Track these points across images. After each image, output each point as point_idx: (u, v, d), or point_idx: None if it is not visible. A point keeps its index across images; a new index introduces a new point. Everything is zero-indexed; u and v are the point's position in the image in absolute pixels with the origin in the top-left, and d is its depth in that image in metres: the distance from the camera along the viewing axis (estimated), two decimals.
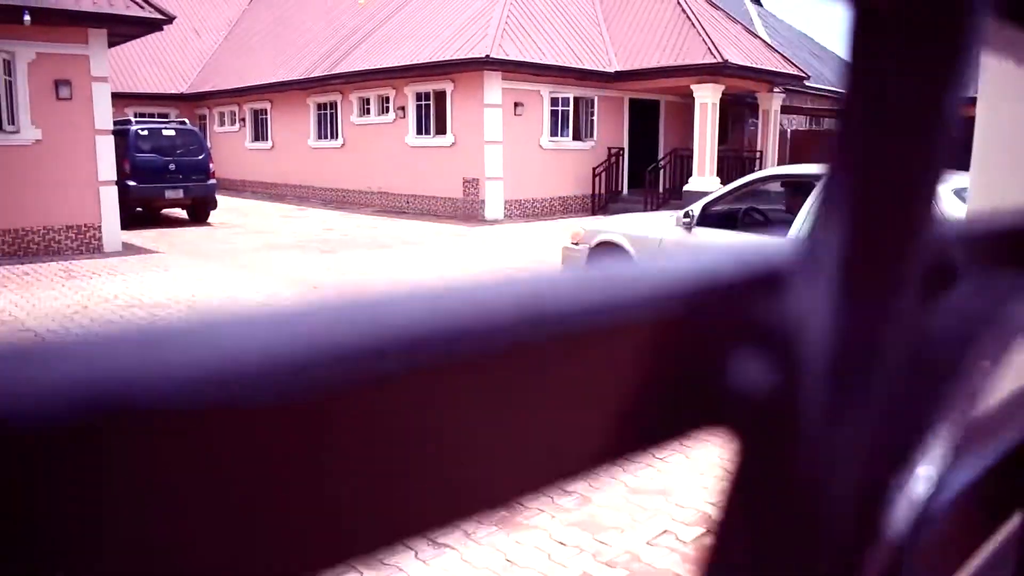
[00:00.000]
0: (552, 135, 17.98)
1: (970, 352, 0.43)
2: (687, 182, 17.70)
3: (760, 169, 16.85)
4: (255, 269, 10.19)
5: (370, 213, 18.16)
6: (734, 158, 19.24)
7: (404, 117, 18.78)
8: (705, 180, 17.09)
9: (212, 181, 15.34)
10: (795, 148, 21.63)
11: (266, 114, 23.91)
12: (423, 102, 18.33)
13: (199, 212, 15.72)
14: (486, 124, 16.82)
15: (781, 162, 19.37)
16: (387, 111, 19.34)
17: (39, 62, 10.83)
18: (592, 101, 18.69)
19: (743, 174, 11.23)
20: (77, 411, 0.16)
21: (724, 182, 14.55)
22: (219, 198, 16.30)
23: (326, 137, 21.46)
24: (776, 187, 6.47)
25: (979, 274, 0.48)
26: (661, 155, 19.31)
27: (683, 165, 18.28)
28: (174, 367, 0.17)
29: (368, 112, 19.98)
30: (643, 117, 19.82)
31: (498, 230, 14.95)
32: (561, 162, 18.35)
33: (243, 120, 24.86)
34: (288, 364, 0.19)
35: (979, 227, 0.55)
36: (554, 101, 17.94)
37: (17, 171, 10.80)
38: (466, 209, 17.24)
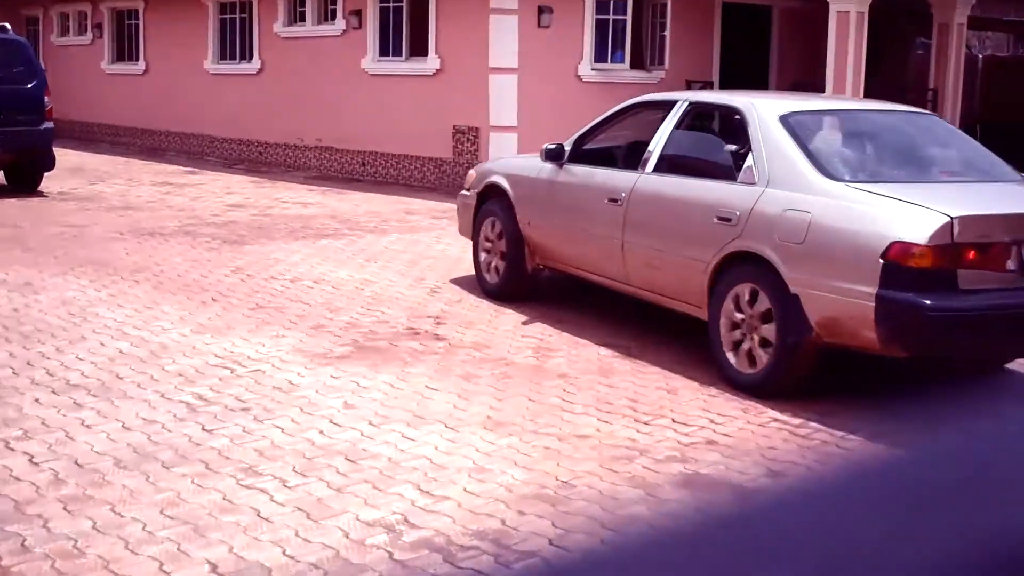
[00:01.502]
0: (598, 60, 17.26)
1: None
2: None
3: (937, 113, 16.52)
4: (112, 271, 10.00)
5: (303, 180, 18.13)
6: (892, 98, 18.63)
7: (360, 27, 18.08)
8: None
9: (47, 124, 15.60)
10: (987, 83, 20.98)
11: (136, 19, 23.50)
12: (391, 3, 17.74)
13: (25, 174, 15.93)
14: (492, 41, 16.33)
15: (969, 103, 18.74)
16: (333, 17, 18.72)
17: None
18: (664, 6, 17.94)
19: None
20: None
21: None
22: (58, 152, 16.27)
23: (233, 58, 21.20)
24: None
25: None
26: None
27: None
28: None
29: (302, 19, 19.40)
30: (745, 32, 19.39)
31: None
32: (611, 102, 17.59)
33: (99, 28, 24.34)
34: None
35: None
36: (602, 5, 17.18)
37: None
38: (457, 176, 16.13)
